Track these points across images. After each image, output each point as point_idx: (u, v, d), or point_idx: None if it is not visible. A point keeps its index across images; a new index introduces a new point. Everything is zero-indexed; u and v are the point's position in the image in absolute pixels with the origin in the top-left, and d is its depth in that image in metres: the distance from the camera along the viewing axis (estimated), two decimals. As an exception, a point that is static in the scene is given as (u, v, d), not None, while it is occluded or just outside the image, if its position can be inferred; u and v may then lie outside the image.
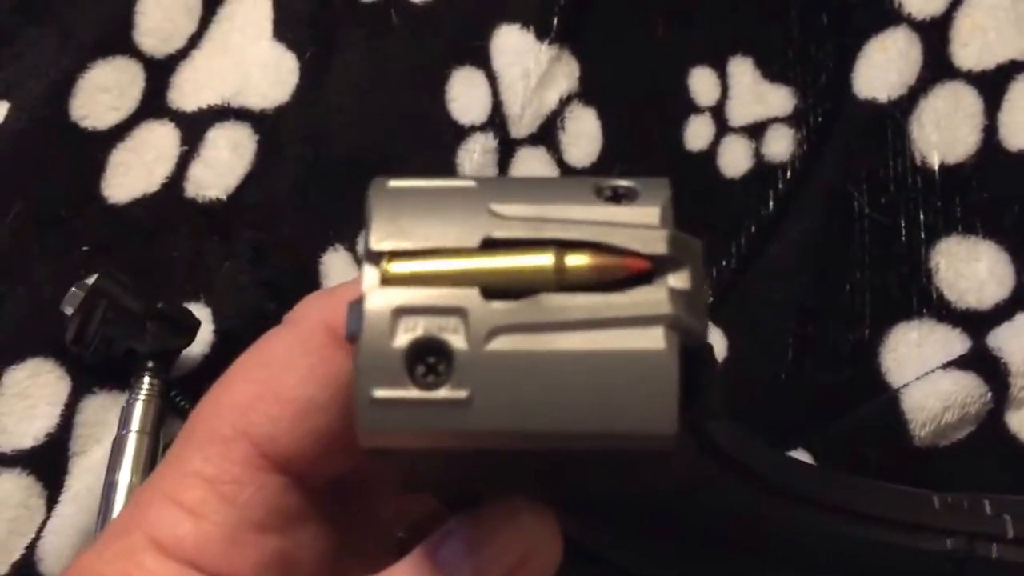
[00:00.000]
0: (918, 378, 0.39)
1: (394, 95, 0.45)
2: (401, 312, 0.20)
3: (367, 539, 0.26)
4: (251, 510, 0.24)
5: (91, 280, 0.38)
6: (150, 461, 0.39)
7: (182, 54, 0.46)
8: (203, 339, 0.41)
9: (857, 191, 0.43)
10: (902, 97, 0.44)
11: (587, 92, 0.45)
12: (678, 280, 0.20)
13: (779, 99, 0.45)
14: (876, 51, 0.45)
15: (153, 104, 0.45)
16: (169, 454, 0.25)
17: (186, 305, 0.41)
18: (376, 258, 0.20)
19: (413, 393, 0.20)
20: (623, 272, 0.20)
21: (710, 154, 0.44)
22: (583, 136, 0.45)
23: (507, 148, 0.44)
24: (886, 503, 0.30)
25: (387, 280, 0.20)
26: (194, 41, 0.47)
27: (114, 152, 0.45)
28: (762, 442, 0.36)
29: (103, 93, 0.45)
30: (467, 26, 0.46)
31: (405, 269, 0.20)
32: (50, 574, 0.38)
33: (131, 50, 0.46)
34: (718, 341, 0.41)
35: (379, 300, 0.20)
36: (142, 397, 0.39)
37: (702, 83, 0.45)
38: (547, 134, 0.45)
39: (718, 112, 0.45)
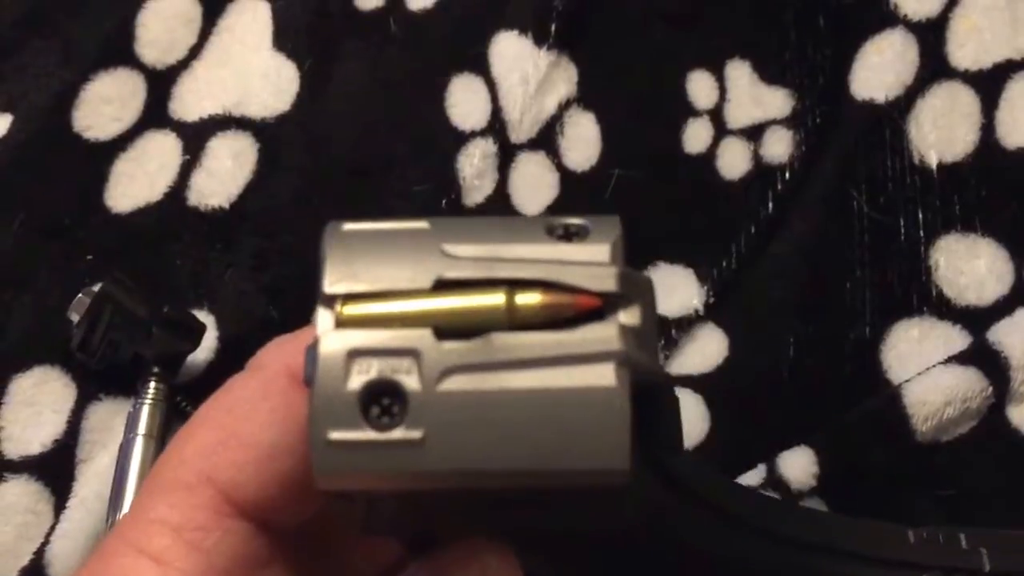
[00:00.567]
0: (919, 374, 0.39)
1: (394, 102, 0.46)
2: (355, 354, 0.20)
3: None
4: (217, 556, 0.24)
5: (97, 287, 0.39)
6: (156, 466, 0.39)
7: (183, 65, 0.47)
8: (207, 345, 0.41)
9: (856, 191, 0.43)
10: (899, 98, 0.44)
11: (586, 97, 0.45)
12: (629, 317, 0.21)
13: (777, 101, 0.45)
14: (873, 53, 0.45)
15: (155, 114, 0.46)
16: (134, 503, 0.25)
17: (190, 311, 0.41)
18: (330, 301, 0.21)
19: (368, 435, 0.20)
20: (574, 310, 0.20)
21: (709, 156, 0.45)
22: (582, 140, 0.45)
23: (507, 153, 0.45)
24: (860, 539, 0.30)
25: (341, 323, 0.20)
26: (195, 52, 0.47)
27: (117, 162, 0.45)
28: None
29: (105, 104, 0.46)
30: (466, 33, 0.46)
31: (358, 311, 0.21)
32: (59, 579, 0.38)
33: (132, 62, 0.47)
34: (719, 341, 0.42)
35: (333, 343, 0.20)
36: (148, 401, 0.39)
37: (700, 86, 0.45)
38: (547, 139, 0.45)
39: (716, 115, 0.45)
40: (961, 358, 0.39)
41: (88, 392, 0.41)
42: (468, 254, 0.21)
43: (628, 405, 0.20)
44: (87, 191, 0.44)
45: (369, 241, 0.21)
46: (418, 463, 0.20)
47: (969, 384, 0.38)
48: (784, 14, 0.46)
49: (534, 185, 0.44)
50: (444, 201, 0.44)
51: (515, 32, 0.46)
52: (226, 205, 0.44)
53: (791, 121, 0.45)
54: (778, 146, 0.44)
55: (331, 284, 0.21)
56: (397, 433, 0.20)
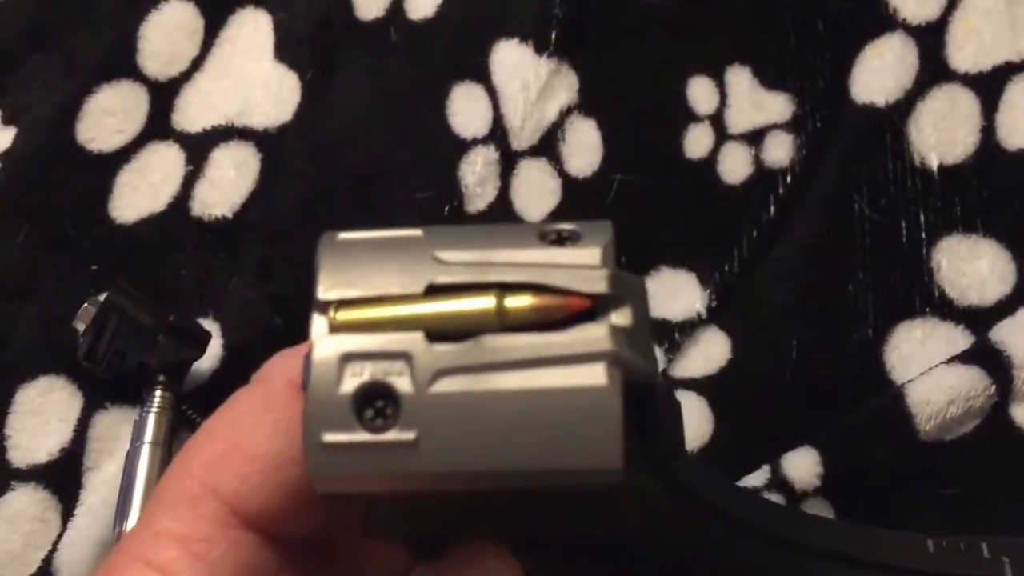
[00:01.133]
0: (922, 373, 0.39)
1: (395, 111, 0.46)
2: (348, 358, 0.20)
3: None
4: (223, 568, 0.24)
5: (102, 296, 0.39)
6: (163, 472, 0.39)
7: (185, 77, 0.47)
8: (212, 354, 0.41)
9: (857, 194, 0.43)
10: (899, 101, 0.44)
11: (587, 103, 0.46)
12: (620, 318, 0.21)
13: (777, 106, 0.45)
14: (872, 57, 0.45)
15: (158, 126, 0.46)
16: (140, 516, 0.25)
17: (195, 319, 0.42)
18: (324, 307, 0.21)
19: (362, 436, 0.20)
20: (564, 312, 0.21)
21: (710, 161, 0.45)
22: (583, 147, 0.45)
23: (509, 160, 0.45)
24: (879, 548, 0.30)
25: (335, 328, 0.21)
26: (197, 64, 0.47)
27: (121, 173, 0.45)
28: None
29: (109, 116, 0.46)
30: (466, 42, 0.47)
31: (352, 316, 0.21)
32: (66, 587, 0.38)
33: (135, 74, 0.47)
34: (722, 344, 0.42)
35: (326, 347, 0.21)
36: (154, 410, 0.39)
37: (700, 92, 0.46)
38: (548, 145, 0.45)
39: (717, 120, 0.45)
40: (964, 357, 0.39)
41: (94, 401, 0.41)
42: (459, 259, 0.21)
43: (619, 404, 0.20)
44: (91, 202, 0.45)
45: (362, 249, 0.22)
46: (412, 464, 0.20)
47: (972, 383, 0.38)
48: (783, 19, 0.46)
49: (536, 192, 0.45)
50: (447, 208, 0.44)
51: (515, 40, 0.46)
52: (229, 215, 0.44)
53: (792, 125, 0.45)
54: (779, 150, 0.44)
55: (325, 291, 0.21)
56: (390, 435, 0.20)
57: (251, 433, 0.24)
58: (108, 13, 0.48)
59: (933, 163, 0.43)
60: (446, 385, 0.20)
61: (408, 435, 0.20)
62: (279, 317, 0.42)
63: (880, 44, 0.45)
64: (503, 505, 0.22)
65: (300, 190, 0.45)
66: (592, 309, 0.21)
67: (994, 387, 0.38)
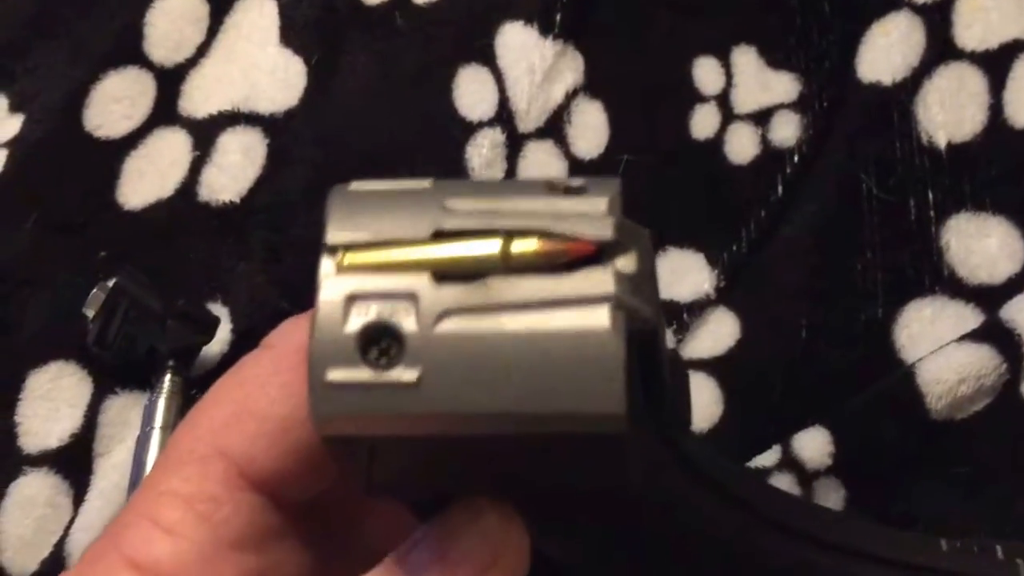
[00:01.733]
0: (933, 352, 0.39)
1: (401, 95, 0.46)
2: (354, 298, 0.21)
3: (348, 559, 0.26)
4: (228, 529, 0.24)
5: (111, 282, 0.39)
6: (173, 457, 0.39)
7: (191, 63, 0.47)
8: (221, 338, 0.41)
9: (865, 173, 0.43)
10: (906, 79, 0.44)
11: (592, 85, 0.46)
12: (625, 264, 0.21)
13: (784, 86, 0.45)
14: (879, 35, 0.45)
15: (165, 112, 0.46)
16: (147, 477, 0.25)
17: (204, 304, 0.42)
18: (332, 250, 0.21)
19: (365, 375, 0.20)
20: (569, 256, 0.21)
21: (717, 142, 0.45)
22: (590, 128, 0.45)
23: (515, 142, 0.45)
24: (892, 543, 0.30)
25: (342, 270, 0.21)
26: (203, 50, 0.47)
27: (128, 160, 0.45)
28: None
29: (115, 103, 0.46)
30: (471, 25, 0.46)
31: (359, 259, 0.21)
32: (78, 571, 0.38)
33: (142, 60, 0.47)
34: (731, 324, 0.42)
35: (332, 287, 0.21)
36: (164, 394, 0.40)
37: (706, 73, 0.46)
38: (554, 127, 0.45)
39: (723, 100, 0.45)
40: (975, 336, 0.39)
41: (104, 386, 0.41)
42: (467, 208, 0.21)
43: (622, 348, 0.20)
44: (99, 188, 0.45)
45: (372, 197, 0.22)
46: (414, 404, 0.20)
47: (983, 361, 0.38)
48: (788, -1, 0.46)
49: (543, 173, 0.45)
50: (454, 191, 0.44)
51: (520, 23, 0.46)
52: (237, 200, 0.44)
53: (798, 105, 0.45)
54: (786, 130, 0.44)
55: (333, 234, 0.21)
56: (394, 373, 0.20)
57: (259, 395, 0.24)
58: (114, 0, 0.48)
59: (941, 141, 0.43)
60: (451, 325, 0.20)
61: (412, 374, 0.20)
62: (287, 301, 0.42)
63: (887, 23, 0.45)
64: (506, 461, 0.22)
65: (307, 174, 0.45)
66: (597, 255, 0.21)
67: (1005, 365, 0.38)
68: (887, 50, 0.45)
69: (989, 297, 0.40)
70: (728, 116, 0.45)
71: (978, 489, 0.38)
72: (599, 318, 0.20)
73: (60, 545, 0.39)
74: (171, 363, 0.40)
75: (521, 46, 0.46)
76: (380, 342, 0.20)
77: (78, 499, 0.40)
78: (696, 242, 0.43)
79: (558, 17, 0.46)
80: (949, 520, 0.37)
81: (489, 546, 0.23)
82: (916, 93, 0.44)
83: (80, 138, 0.46)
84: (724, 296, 0.42)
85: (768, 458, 0.38)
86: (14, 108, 0.47)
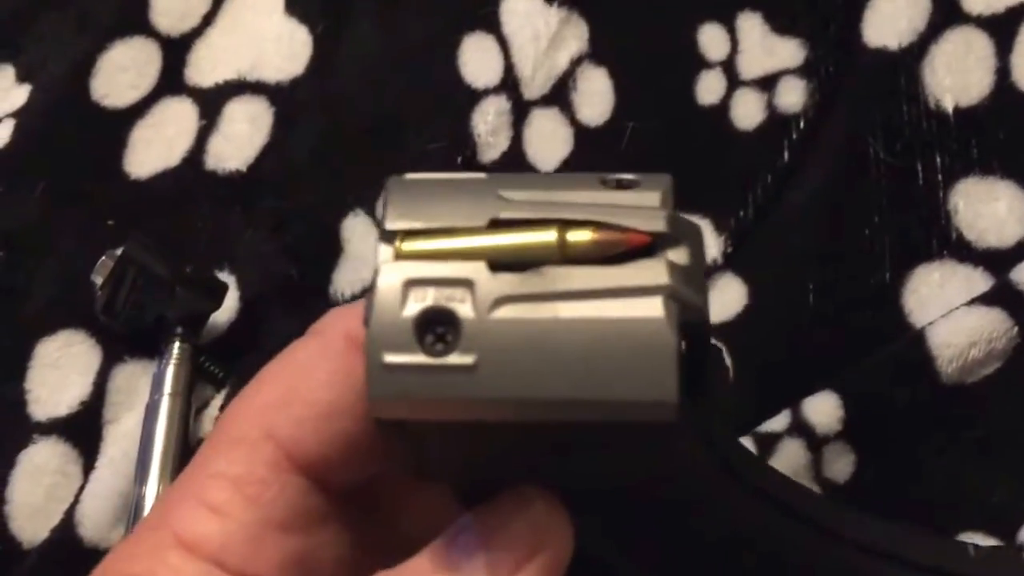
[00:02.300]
0: (943, 316, 0.39)
1: (406, 62, 0.46)
2: (412, 284, 0.21)
3: (390, 544, 0.27)
4: (274, 510, 0.24)
5: (119, 250, 0.39)
6: (183, 424, 0.39)
7: (197, 32, 0.47)
8: (229, 306, 0.41)
9: (872, 137, 0.43)
10: (912, 44, 0.44)
11: (597, 52, 0.46)
12: (677, 256, 0.21)
13: (789, 51, 0.45)
14: (884, 0, 0.45)
15: (171, 81, 0.46)
16: (196, 456, 0.25)
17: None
18: (390, 237, 0.22)
19: (421, 359, 0.21)
20: (623, 247, 0.21)
21: (723, 108, 0.45)
22: (595, 95, 0.45)
23: (521, 110, 0.45)
24: (922, 549, 0.30)
25: (400, 256, 0.21)
26: (208, 19, 0.47)
27: (135, 129, 0.45)
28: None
29: (122, 72, 0.46)
30: (476, -8, 0.46)
31: (416, 247, 0.21)
32: (89, 537, 0.39)
33: (148, 30, 0.47)
34: (738, 289, 0.42)
35: (391, 273, 0.21)
36: (173, 361, 0.40)
37: (711, 38, 0.45)
38: (559, 94, 0.45)
39: (729, 66, 0.45)
40: (985, 299, 0.39)
41: (113, 354, 0.41)
42: (523, 198, 0.22)
43: (675, 339, 0.20)
44: (106, 158, 0.45)
45: (429, 187, 0.22)
46: (469, 389, 0.21)
47: (994, 325, 0.38)
48: (794, -36, 0.46)
49: (549, 140, 0.45)
50: (459, 158, 0.44)
51: (525, -10, 0.46)
52: (243, 168, 0.44)
53: (804, 70, 0.44)
54: (792, 95, 0.44)
55: (391, 221, 0.22)
56: (450, 359, 0.21)
57: (308, 380, 0.25)
58: (120, -30, 0.48)
59: (948, 105, 0.43)
60: (507, 312, 0.21)
61: (467, 359, 0.21)
62: (294, 269, 0.42)
63: (892, -13, 0.45)
64: (556, 449, 0.23)
65: (313, 143, 0.45)
66: (651, 246, 0.21)
67: (1016, 328, 0.38)
68: (893, 15, 0.44)
69: (998, 261, 0.40)
70: (734, 82, 0.45)
71: (990, 453, 0.38)
72: (653, 308, 0.21)
73: (70, 513, 0.39)
74: (179, 330, 0.40)
75: (526, 13, 0.45)
76: (437, 328, 0.21)
77: (87, 467, 0.40)
78: (703, 208, 0.43)
79: (563, -16, 0.46)
80: (960, 484, 0.37)
81: (535, 534, 0.23)
82: (923, 57, 0.44)
83: (87, 107, 0.46)
84: (731, 262, 0.42)
85: (778, 423, 0.38)
86: (21, 78, 0.47)
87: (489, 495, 0.24)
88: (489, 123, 0.44)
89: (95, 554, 0.38)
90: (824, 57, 0.44)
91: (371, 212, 0.43)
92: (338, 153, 0.44)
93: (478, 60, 0.45)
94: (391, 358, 0.21)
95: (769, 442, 0.38)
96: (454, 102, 0.45)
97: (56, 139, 0.45)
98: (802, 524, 0.28)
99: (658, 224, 0.21)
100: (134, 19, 0.47)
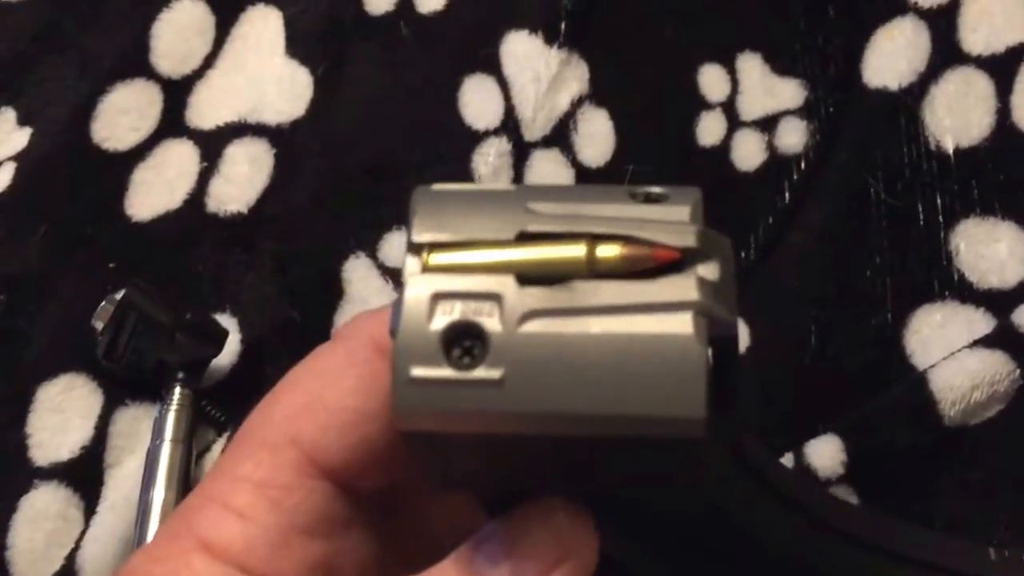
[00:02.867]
0: (945, 358, 0.39)
1: (407, 104, 0.46)
2: (439, 297, 0.21)
3: (413, 549, 0.27)
4: (298, 515, 0.24)
5: (119, 294, 0.39)
6: (184, 469, 0.39)
7: (198, 74, 0.47)
8: (231, 349, 0.41)
9: (873, 178, 0.43)
10: (912, 84, 0.44)
11: (598, 93, 0.46)
12: (707, 271, 0.21)
13: (789, 92, 0.45)
14: (884, 40, 0.45)
15: (172, 124, 0.46)
16: (220, 460, 0.25)
17: (212, 316, 0.42)
18: (417, 249, 0.21)
19: (448, 373, 0.20)
20: (653, 262, 0.21)
21: (723, 149, 0.45)
22: (596, 136, 0.45)
23: (521, 151, 0.45)
24: (943, 552, 0.30)
25: (427, 269, 0.21)
26: (209, 61, 0.48)
27: (136, 171, 0.46)
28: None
29: (123, 115, 0.46)
30: (476, 34, 0.47)
31: (444, 259, 0.21)
32: (90, 583, 0.39)
33: (148, 72, 0.47)
34: (741, 330, 0.41)
35: (418, 286, 0.21)
36: (174, 407, 0.40)
37: (712, 80, 0.46)
38: (560, 136, 0.45)
39: (729, 107, 0.45)
40: (987, 341, 0.39)
41: (114, 398, 0.41)
42: (551, 211, 0.21)
43: (705, 355, 0.20)
44: (107, 200, 0.45)
45: (456, 198, 0.22)
46: (496, 403, 0.20)
47: (996, 367, 0.38)
48: (793, 4, 0.46)
49: (550, 182, 0.45)
50: (461, 200, 0.44)
51: (525, 32, 0.46)
52: (244, 210, 0.44)
53: (804, 111, 0.45)
54: (792, 136, 0.44)
55: (418, 233, 0.21)
56: (477, 373, 0.20)
57: (333, 386, 0.25)
58: (120, 13, 0.48)
59: (949, 146, 0.43)
60: (534, 326, 0.21)
61: (494, 373, 0.20)
62: (295, 311, 0.42)
63: (892, 27, 0.45)
64: (583, 461, 0.22)
65: (314, 184, 0.45)
66: (680, 261, 0.21)
67: (1018, 371, 0.38)
68: (893, 55, 0.45)
69: (999, 302, 0.40)
70: (734, 123, 0.45)
71: (993, 495, 0.38)
72: (683, 324, 0.20)
73: (71, 558, 0.39)
74: (180, 375, 0.40)
75: (526, 55, 0.46)
76: (463, 341, 0.21)
77: (89, 511, 0.40)
78: (704, 249, 0.43)
79: (563, 25, 0.46)
80: (964, 527, 0.37)
81: (560, 543, 0.23)
82: (923, 98, 0.44)
83: (88, 150, 0.46)
84: (734, 303, 0.42)
85: (780, 465, 0.38)
86: (22, 121, 0.47)
87: (514, 503, 0.24)
88: (490, 164, 0.44)
89: (95, 599, 0.38)
90: (824, 98, 0.45)
91: (372, 255, 0.43)
92: (339, 195, 0.44)
93: (479, 102, 0.45)
94: (418, 372, 0.21)
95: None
96: (455, 144, 0.45)
97: (57, 182, 0.45)
98: (840, 538, 0.28)
99: (688, 239, 0.21)
100: (135, 61, 0.47)
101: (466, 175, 0.44)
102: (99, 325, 0.39)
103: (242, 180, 0.45)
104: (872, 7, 0.46)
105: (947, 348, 0.39)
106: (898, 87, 0.44)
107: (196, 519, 0.24)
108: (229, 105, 0.46)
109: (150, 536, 0.38)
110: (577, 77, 0.46)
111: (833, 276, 0.42)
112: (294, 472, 0.24)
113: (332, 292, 0.43)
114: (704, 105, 0.45)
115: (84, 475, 0.40)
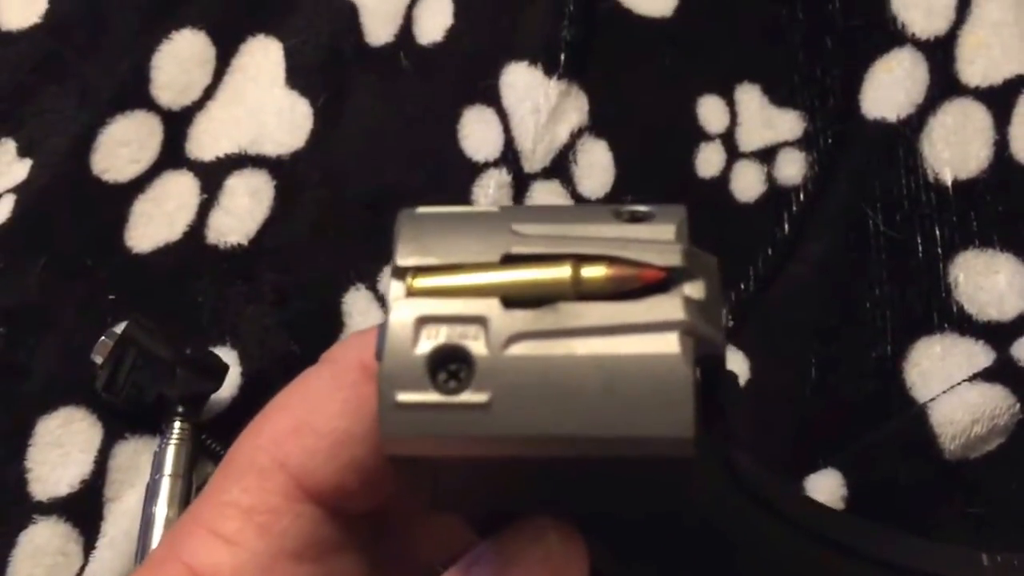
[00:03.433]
0: (944, 392, 0.39)
1: (407, 136, 0.46)
2: (424, 321, 0.21)
3: (403, 571, 0.27)
4: (287, 539, 0.24)
5: (119, 328, 0.39)
6: (184, 503, 0.39)
7: (198, 106, 0.47)
8: (231, 382, 0.41)
9: (871, 210, 0.43)
10: (911, 116, 0.44)
11: (597, 124, 0.46)
12: (693, 290, 0.21)
13: (788, 123, 0.45)
14: (882, 72, 0.45)
15: (172, 155, 0.46)
16: (207, 486, 0.25)
17: (212, 349, 0.42)
18: (401, 273, 0.21)
19: (434, 397, 0.20)
20: (638, 282, 0.21)
21: (722, 180, 0.45)
22: (595, 167, 0.45)
23: (521, 182, 0.45)
24: (935, 559, 0.29)
25: (412, 293, 0.21)
26: (209, 92, 0.48)
27: (136, 203, 0.46)
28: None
29: (123, 147, 0.46)
30: (476, 65, 0.47)
31: (428, 283, 0.21)
32: (89, 619, 0.38)
33: (148, 104, 0.47)
34: (741, 363, 0.42)
35: (403, 310, 0.21)
36: (174, 441, 0.39)
37: (711, 111, 0.46)
38: (560, 167, 0.45)
39: (728, 139, 0.45)
40: (986, 375, 0.39)
41: (114, 431, 0.41)
42: (536, 232, 0.21)
43: (692, 374, 0.20)
44: (107, 232, 0.45)
45: (440, 221, 0.22)
46: (483, 427, 0.20)
47: (996, 401, 0.38)
48: (792, 36, 0.46)
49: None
50: (461, 232, 0.44)
51: (525, 63, 0.46)
52: (245, 242, 0.44)
53: (803, 142, 0.45)
54: (791, 168, 0.44)
55: (403, 257, 0.21)
56: (463, 396, 0.20)
57: (320, 410, 0.24)
58: (120, 44, 0.48)
59: (947, 178, 0.43)
60: (520, 349, 0.20)
61: (481, 397, 0.20)
62: (296, 343, 0.42)
63: (890, 59, 0.45)
64: (570, 481, 0.22)
65: (314, 216, 0.45)
66: (666, 281, 0.21)
67: (1018, 405, 0.38)
68: (891, 87, 0.45)
69: (998, 334, 0.40)
70: (733, 154, 0.45)
71: (993, 528, 0.38)
72: (669, 344, 0.20)
73: (70, 594, 0.39)
74: (180, 410, 0.40)
75: (525, 86, 0.46)
76: (449, 365, 0.21)
77: (88, 546, 0.40)
78: (703, 281, 0.43)
79: (562, 57, 0.46)
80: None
81: (550, 564, 0.23)
82: (921, 130, 0.44)
83: (88, 182, 0.46)
84: (733, 335, 0.42)
85: (780, 498, 0.38)
86: (22, 152, 0.47)
87: (503, 523, 0.24)
88: (490, 196, 0.44)
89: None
90: (823, 129, 0.45)
91: (372, 287, 0.43)
92: (338, 227, 0.44)
93: (479, 133, 0.45)
94: (404, 396, 0.20)
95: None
96: (455, 175, 0.45)
97: (57, 214, 0.45)
98: (821, 542, 0.27)
99: (673, 259, 0.21)
100: (135, 93, 0.47)
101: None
102: (98, 360, 0.39)
103: (242, 212, 0.45)
104: (870, 38, 0.46)
105: (947, 380, 0.40)
106: (896, 119, 0.44)
107: (183, 545, 0.24)
108: (229, 136, 0.46)
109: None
110: (576, 108, 0.46)
111: (833, 308, 0.42)
112: (282, 496, 0.24)
113: (332, 324, 0.43)
114: (703, 136, 0.45)
115: (83, 509, 0.40)
